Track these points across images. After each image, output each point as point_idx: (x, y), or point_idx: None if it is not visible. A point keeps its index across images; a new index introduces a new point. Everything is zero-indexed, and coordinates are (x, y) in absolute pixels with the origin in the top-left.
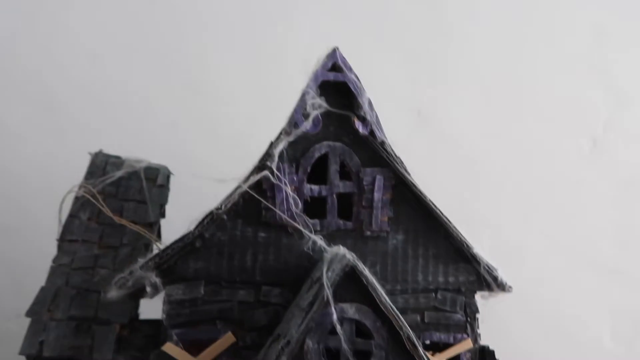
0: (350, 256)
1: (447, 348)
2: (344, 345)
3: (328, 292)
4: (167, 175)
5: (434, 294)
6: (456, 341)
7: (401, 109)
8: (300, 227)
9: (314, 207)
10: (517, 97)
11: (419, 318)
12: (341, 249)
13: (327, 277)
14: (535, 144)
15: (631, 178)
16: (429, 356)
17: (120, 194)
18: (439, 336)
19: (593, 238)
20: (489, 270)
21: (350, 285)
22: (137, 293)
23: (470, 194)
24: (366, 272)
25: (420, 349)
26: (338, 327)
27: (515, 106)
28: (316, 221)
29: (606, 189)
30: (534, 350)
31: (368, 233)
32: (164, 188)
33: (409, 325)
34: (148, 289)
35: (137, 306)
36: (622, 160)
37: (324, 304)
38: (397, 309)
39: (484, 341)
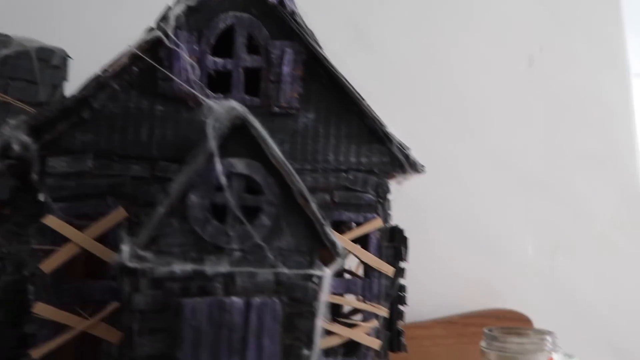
0: (240, 109)
1: (357, 227)
2: (231, 201)
3: (212, 143)
4: (64, 57)
5: (345, 174)
6: (366, 220)
7: (337, 24)
8: (200, 98)
9: (220, 84)
10: (454, 14)
11: (328, 197)
12: (232, 102)
13: (213, 128)
14: (472, 60)
15: (564, 98)
16: (337, 234)
17: (7, 72)
18: (349, 215)
19: (523, 154)
20: (401, 149)
21: (240, 139)
22: (19, 167)
23: (402, 106)
24: (258, 125)
25: (313, 204)
26: (223, 181)
27: (452, 23)
28: (220, 96)
29: (539, 107)
30: (460, 259)
31: (276, 109)
32: (60, 70)
33: (317, 204)
34: (15, 146)
35: (20, 182)
36: (556, 79)
37: (207, 156)
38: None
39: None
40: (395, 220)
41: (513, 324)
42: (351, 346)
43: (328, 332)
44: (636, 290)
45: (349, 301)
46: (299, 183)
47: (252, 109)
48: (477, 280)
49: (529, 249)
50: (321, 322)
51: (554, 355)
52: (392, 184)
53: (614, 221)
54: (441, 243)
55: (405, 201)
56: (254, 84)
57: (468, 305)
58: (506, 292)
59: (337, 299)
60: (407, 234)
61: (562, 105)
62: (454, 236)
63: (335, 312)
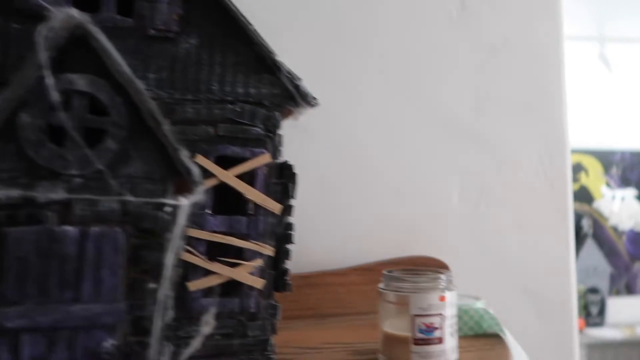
0: (80, 17)
1: (243, 162)
2: (68, 121)
3: (42, 55)
4: None
5: (230, 105)
6: (253, 155)
7: None
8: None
9: (89, 3)
10: None
11: (212, 130)
12: (72, 10)
13: (45, 38)
14: (400, 5)
15: (495, 45)
16: (220, 170)
17: None
18: (234, 150)
19: (451, 101)
20: (291, 79)
21: (82, 52)
22: None
23: (331, 54)
24: (102, 37)
25: (165, 127)
26: (56, 98)
27: None
28: (87, 15)
29: (469, 54)
30: (383, 206)
31: (152, 32)
32: None
33: (200, 138)
34: None
35: None
36: (487, 27)
37: (37, 70)
38: (186, 120)
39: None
40: (313, 163)
41: (436, 270)
42: (232, 286)
43: (208, 272)
44: (556, 237)
45: (232, 239)
46: (150, 103)
47: (124, 30)
48: (400, 227)
49: (454, 197)
50: (175, 255)
51: (447, 294)
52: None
53: (538, 170)
54: (364, 189)
55: (327, 144)
56: (128, 4)
57: (390, 252)
58: (428, 240)
59: (218, 237)
60: (328, 177)
61: (491, 53)
62: (378, 182)
63: (220, 251)
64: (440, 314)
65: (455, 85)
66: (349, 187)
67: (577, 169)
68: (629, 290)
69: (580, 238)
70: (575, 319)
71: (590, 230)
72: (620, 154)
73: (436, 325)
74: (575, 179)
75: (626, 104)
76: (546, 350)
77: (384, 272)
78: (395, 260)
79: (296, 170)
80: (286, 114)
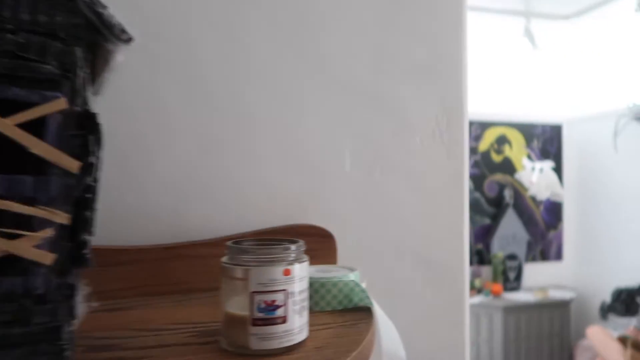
0: None
1: (31, 107)
2: None
3: None
4: None
5: (11, 35)
6: (44, 100)
7: None
8: None
9: None
10: None
11: None
12: None
13: None
14: None
15: (394, 5)
16: None
17: None
18: (18, 92)
19: (347, 59)
20: (90, 4)
21: None
22: None
23: (217, 2)
24: None
25: None
26: None
27: None
28: None
29: (369, 14)
30: (270, 171)
31: None
32: None
33: None
34: None
35: None
36: None
37: None
38: None
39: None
40: (190, 119)
41: (314, 240)
42: (10, 262)
43: None
44: (451, 204)
45: (10, 204)
46: None
47: None
48: (286, 194)
49: (346, 165)
50: None
51: (295, 266)
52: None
53: (435, 134)
54: (247, 151)
55: (207, 100)
56: None
57: (274, 221)
58: (317, 208)
59: None
60: (206, 137)
61: (391, 9)
62: (262, 145)
63: None
64: (284, 290)
65: (350, 42)
66: (229, 149)
67: (502, 141)
68: (544, 256)
69: (502, 208)
70: (466, 287)
71: (512, 200)
72: (541, 127)
73: (279, 303)
74: (500, 151)
75: (549, 79)
76: (437, 318)
77: (227, 243)
78: (278, 230)
79: (102, 122)
80: (100, 52)
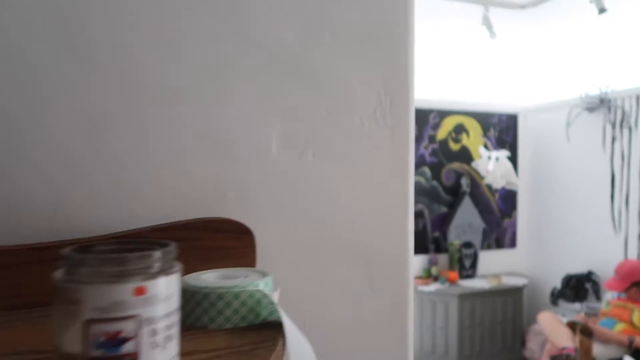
0: None
1: None
2: None
3: None
4: None
5: None
6: None
7: None
8: None
9: None
10: None
11: None
12: None
13: None
14: None
15: None
16: None
17: None
18: None
19: (274, 27)
20: None
21: None
22: None
23: None
24: None
25: None
26: None
27: None
28: None
29: None
30: (184, 156)
31: None
32: None
33: None
34: None
35: None
36: None
37: None
38: None
39: None
40: (80, 94)
41: (229, 236)
42: None
43: None
44: (394, 194)
45: None
46: None
47: None
48: (202, 181)
49: (272, 145)
50: None
51: (155, 282)
52: None
53: (377, 115)
54: (155, 132)
55: (104, 71)
56: None
57: (183, 214)
58: (237, 198)
59: None
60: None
61: None
62: (174, 124)
63: None
64: (136, 317)
65: (277, 5)
66: (122, 128)
67: (459, 129)
68: (498, 244)
69: (459, 196)
70: (410, 286)
71: (468, 188)
72: (497, 117)
73: (126, 335)
74: (457, 140)
75: (505, 69)
76: (377, 322)
77: (61, 251)
78: (179, 224)
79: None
80: None
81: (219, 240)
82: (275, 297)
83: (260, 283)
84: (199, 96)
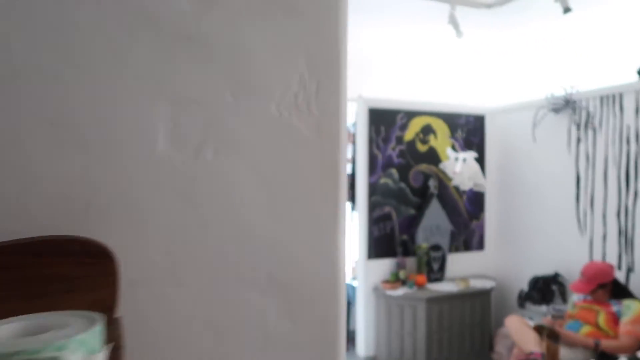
0: None
1: None
2: None
3: None
4: None
5: None
6: None
7: None
8: None
9: None
10: None
11: None
12: None
13: None
14: None
15: None
16: None
17: None
18: None
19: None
20: None
21: None
22: None
23: None
24: None
25: None
26: None
27: None
28: None
29: None
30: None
31: None
32: None
33: None
34: None
35: None
36: None
37: None
38: None
39: None
40: None
41: (77, 261)
42: None
43: None
44: (321, 201)
45: None
46: None
47: None
48: (60, 190)
49: (159, 139)
50: None
51: None
52: None
53: (298, 102)
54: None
55: None
56: None
57: (38, 228)
58: (107, 210)
59: None
60: None
61: None
62: (27, 114)
63: None
64: None
65: None
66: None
67: (427, 131)
68: (467, 246)
69: (427, 198)
70: (341, 320)
71: (436, 190)
72: (465, 118)
73: None
74: (425, 141)
75: (473, 69)
76: None
77: None
78: (17, 243)
79: None
80: None
81: (62, 267)
82: (98, 359)
83: (77, 337)
84: (53, 77)
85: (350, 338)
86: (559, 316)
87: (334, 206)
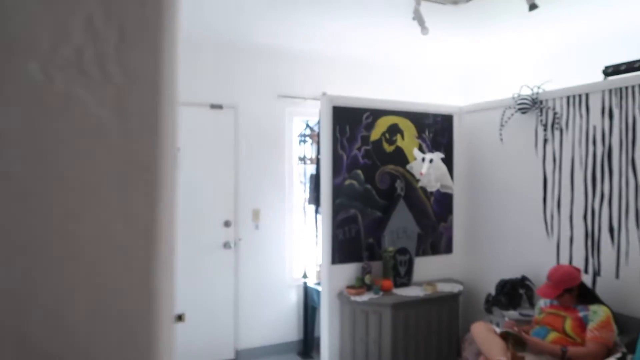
0: None
1: None
2: None
3: None
4: None
5: None
6: None
7: None
8: None
9: None
10: None
11: None
12: None
13: None
14: None
15: None
16: None
17: None
18: None
19: None
20: None
21: None
22: None
23: None
24: None
25: None
26: None
27: None
28: None
29: None
30: None
31: None
32: None
33: None
34: None
35: None
36: None
37: None
38: None
39: None
40: None
41: None
42: None
43: None
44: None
45: None
46: None
47: None
48: None
49: None
50: None
51: None
52: None
53: (86, 59)
54: None
55: None
56: None
57: None
58: None
59: None
60: None
61: None
62: None
63: None
64: None
65: None
66: None
67: (394, 130)
68: (434, 249)
69: (394, 200)
70: None
71: (403, 192)
72: (432, 117)
73: None
74: (392, 141)
75: (441, 67)
76: None
77: None
78: None
79: None
80: None
81: None
82: None
83: None
84: None
85: (316, 345)
86: (525, 321)
87: (147, 232)
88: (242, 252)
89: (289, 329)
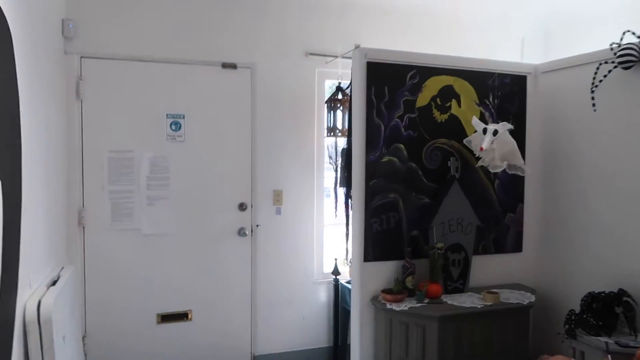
0: None
1: None
2: None
3: None
4: None
5: None
6: None
7: None
8: None
9: None
10: None
11: None
12: None
13: None
14: None
15: None
16: None
17: None
18: None
19: None
20: None
21: None
22: None
23: None
24: None
25: None
26: None
27: None
28: None
29: None
30: None
31: None
32: None
33: None
34: None
35: None
36: None
37: None
38: None
39: None
40: None
41: None
42: None
43: None
44: None
45: None
46: None
47: None
48: None
49: None
50: None
51: None
52: None
53: None
54: None
55: None
56: None
57: None
58: None
59: None
60: None
61: None
62: None
63: None
64: None
65: None
66: None
67: (447, 94)
68: (498, 247)
69: (446, 183)
70: None
71: (458, 173)
72: (499, 78)
73: None
74: (444, 109)
75: (512, 15)
76: None
77: None
78: None
79: None
80: None
81: None
82: None
83: None
84: None
85: (348, 353)
86: (625, 353)
87: None
88: (261, 241)
89: (316, 334)
